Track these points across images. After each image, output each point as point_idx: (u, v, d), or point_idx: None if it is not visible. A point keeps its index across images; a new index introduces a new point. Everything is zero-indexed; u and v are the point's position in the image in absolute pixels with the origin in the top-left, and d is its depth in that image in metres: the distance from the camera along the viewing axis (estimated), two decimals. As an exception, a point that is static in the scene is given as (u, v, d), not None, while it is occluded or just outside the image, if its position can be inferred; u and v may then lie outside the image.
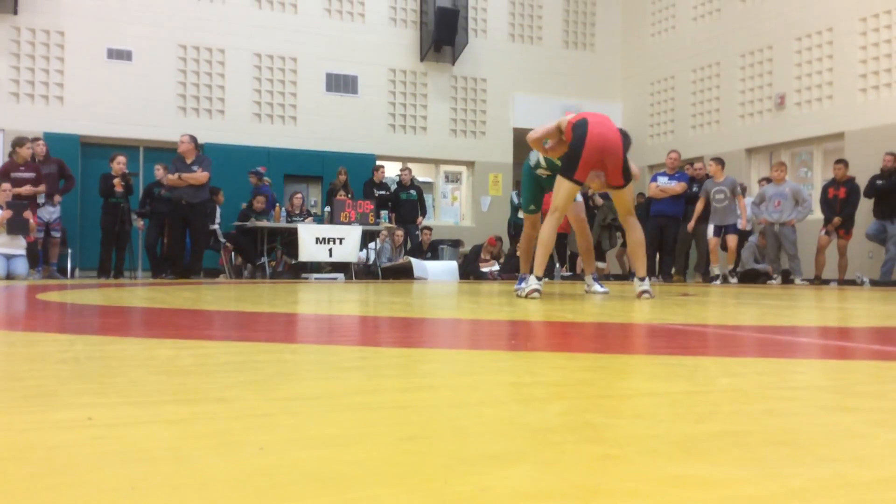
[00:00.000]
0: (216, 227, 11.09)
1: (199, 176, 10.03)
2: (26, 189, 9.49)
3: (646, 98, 14.94)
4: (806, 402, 1.12)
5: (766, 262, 10.72)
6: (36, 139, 10.22)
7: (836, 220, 10.04)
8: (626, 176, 4.84)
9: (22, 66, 11.80)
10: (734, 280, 10.37)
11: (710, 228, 10.48)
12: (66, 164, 10.47)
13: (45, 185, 9.85)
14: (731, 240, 10.30)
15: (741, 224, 10.33)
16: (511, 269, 12.39)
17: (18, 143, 9.73)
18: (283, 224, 10.97)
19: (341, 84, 13.64)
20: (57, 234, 10.16)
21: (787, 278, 10.49)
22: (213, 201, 11.18)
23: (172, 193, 10.04)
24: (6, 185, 9.27)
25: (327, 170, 13.02)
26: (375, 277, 11.22)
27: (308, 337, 2.32)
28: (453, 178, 15.13)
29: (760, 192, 10.69)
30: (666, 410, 1.03)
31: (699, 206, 10.56)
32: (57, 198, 10.06)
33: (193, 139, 10.27)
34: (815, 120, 11.59)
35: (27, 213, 9.31)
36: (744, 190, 10.97)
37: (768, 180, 10.88)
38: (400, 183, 12.60)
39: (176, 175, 9.97)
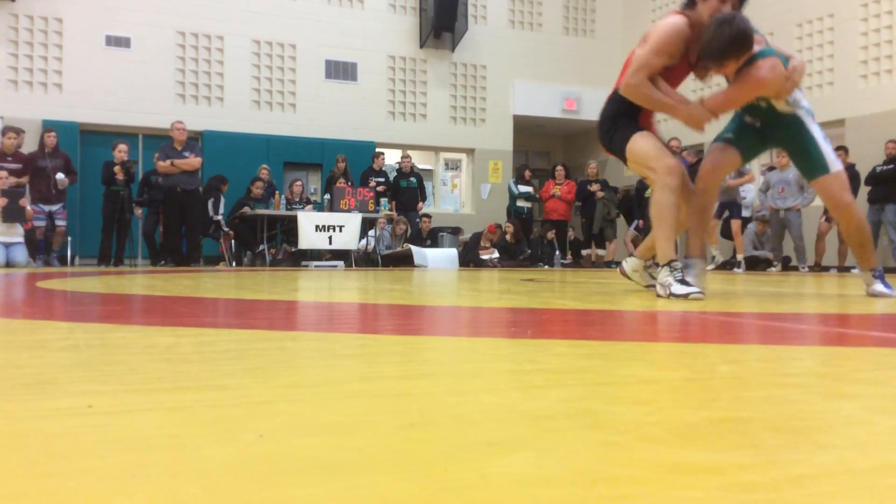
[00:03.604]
0: (220, 217, 11.08)
1: (194, 161, 10.03)
2: (9, 180, 9.40)
3: (646, 85, 14.88)
4: (806, 389, 1.12)
5: (768, 248, 10.71)
6: (49, 130, 10.17)
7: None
8: (606, 143, 3.76)
9: (20, 53, 11.76)
10: (740, 270, 10.34)
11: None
12: (67, 153, 10.44)
13: (46, 178, 9.82)
14: (735, 225, 10.26)
15: (728, 183, 10.32)
16: (510, 256, 12.38)
17: (3, 132, 9.68)
18: (282, 212, 10.96)
19: (341, 71, 13.59)
20: (62, 223, 10.14)
21: (786, 265, 10.49)
22: (218, 190, 11.17)
23: (166, 181, 10.03)
24: (2, 174, 9.25)
25: (327, 157, 13.00)
26: (375, 265, 11.23)
27: (308, 325, 2.32)
28: (453, 166, 15.10)
29: (766, 180, 10.67)
30: (666, 397, 1.03)
31: None
32: (63, 180, 9.92)
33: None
34: (815, 106, 11.31)
35: (23, 201, 9.29)
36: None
37: (771, 168, 10.86)
38: (400, 170, 12.59)
39: (168, 162, 9.95)
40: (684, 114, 3.49)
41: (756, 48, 3.41)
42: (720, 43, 3.28)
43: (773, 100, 3.55)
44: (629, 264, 4.12)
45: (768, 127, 3.69)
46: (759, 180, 11.57)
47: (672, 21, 3.43)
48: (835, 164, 3.59)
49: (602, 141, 3.77)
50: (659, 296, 3.39)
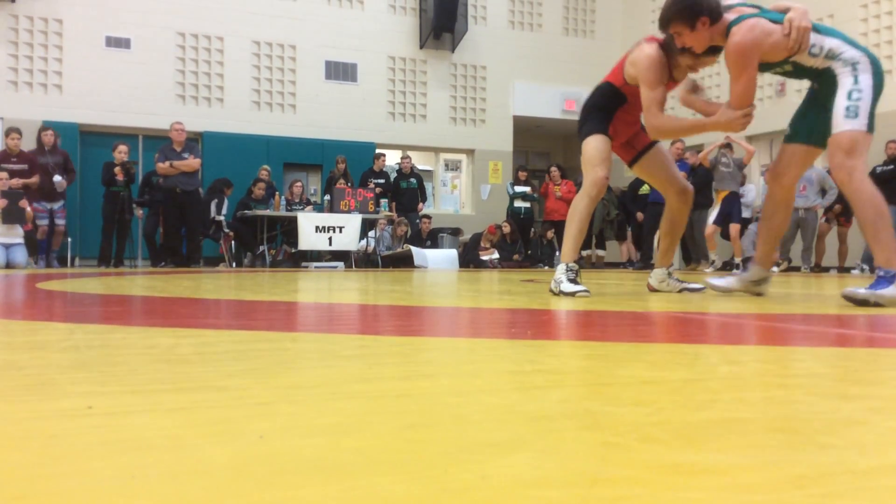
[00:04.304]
0: (221, 218, 11.08)
1: (193, 163, 10.04)
2: (15, 181, 9.42)
3: (646, 85, 14.88)
4: (806, 390, 1.12)
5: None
6: (46, 129, 10.17)
7: (837, 207, 10.02)
8: (579, 129, 3.93)
9: (20, 54, 11.76)
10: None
11: (712, 215, 10.45)
12: (66, 150, 10.44)
13: (48, 175, 9.79)
14: (734, 229, 10.24)
15: (698, 159, 10.36)
16: (508, 257, 12.38)
17: (6, 133, 9.69)
18: (282, 213, 10.96)
19: (340, 72, 13.60)
20: (61, 222, 10.14)
21: (787, 266, 10.48)
22: (222, 192, 11.17)
23: (166, 182, 10.03)
24: (2, 175, 9.24)
25: (327, 158, 13.00)
26: (375, 266, 11.23)
27: (308, 325, 2.32)
28: (453, 167, 15.11)
29: None
30: (666, 398, 1.03)
31: (702, 155, 10.48)
32: (61, 182, 9.90)
33: None
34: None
35: (23, 202, 9.29)
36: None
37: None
38: (400, 171, 12.59)
39: (167, 163, 9.95)
40: (717, 125, 3.47)
41: (731, 16, 3.29)
42: (666, 8, 3.35)
43: (796, 57, 3.25)
44: (654, 277, 4.22)
45: (820, 87, 3.37)
46: (760, 182, 11.55)
47: (648, 53, 3.57)
48: (840, 125, 3.12)
49: (578, 125, 3.94)
50: (551, 290, 3.65)
